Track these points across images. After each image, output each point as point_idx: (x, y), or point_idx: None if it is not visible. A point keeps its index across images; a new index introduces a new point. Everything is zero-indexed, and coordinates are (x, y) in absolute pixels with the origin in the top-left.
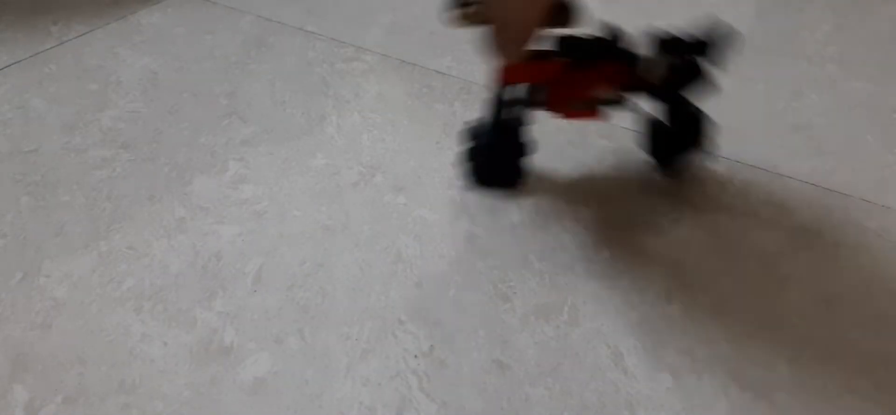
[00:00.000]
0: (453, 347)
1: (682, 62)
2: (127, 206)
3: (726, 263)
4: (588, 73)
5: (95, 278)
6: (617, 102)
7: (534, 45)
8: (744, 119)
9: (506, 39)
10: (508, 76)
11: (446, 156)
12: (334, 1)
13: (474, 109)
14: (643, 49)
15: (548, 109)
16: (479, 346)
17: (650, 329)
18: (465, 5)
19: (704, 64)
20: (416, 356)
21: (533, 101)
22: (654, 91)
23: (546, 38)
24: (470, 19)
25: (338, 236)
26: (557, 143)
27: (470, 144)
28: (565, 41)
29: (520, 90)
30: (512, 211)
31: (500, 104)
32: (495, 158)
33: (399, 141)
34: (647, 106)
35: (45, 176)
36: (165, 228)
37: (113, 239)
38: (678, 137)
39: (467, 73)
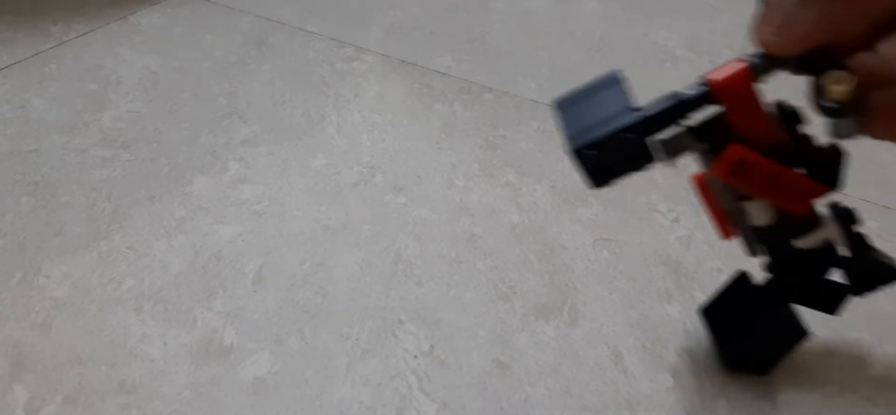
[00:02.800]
0: (453, 347)
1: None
2: (127, 206)
3: (726, 263)
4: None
5: (95, 278)
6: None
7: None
8: None
9: None
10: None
11: (446, 156)
12: (334, 1)
13: (475, 109)
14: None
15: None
16: (479, 346)
17: (650, 329)
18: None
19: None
20: (416, 356)
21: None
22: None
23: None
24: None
25: (338, 236)
26: (557, 142)
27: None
28: (790, 115)
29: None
30: (512, 211)
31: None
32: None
33: (399, 141)
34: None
35: (45, 176)
36: (165, 228)
37: (113, 239)
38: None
39: (467, 73)
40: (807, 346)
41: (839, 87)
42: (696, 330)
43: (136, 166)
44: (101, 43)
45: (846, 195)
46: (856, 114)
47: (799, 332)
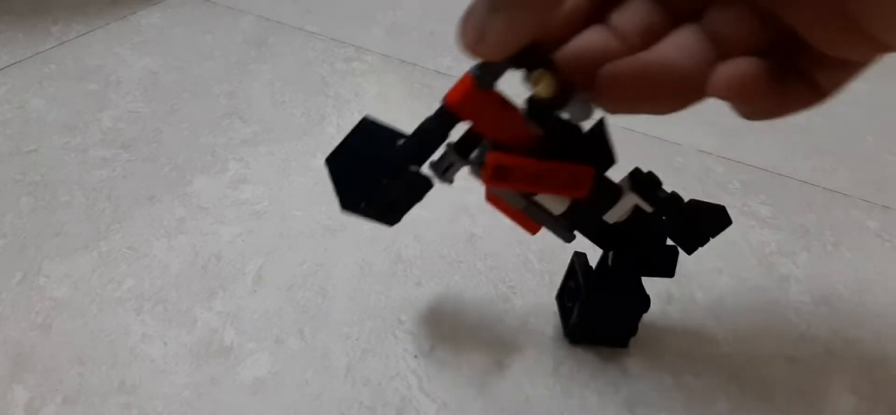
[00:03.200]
0: (453, 347)
1: (651, 216)
2: (127, 206)
3: (726, 262)
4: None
5: (95, 279)
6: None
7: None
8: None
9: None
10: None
11: None
12: (334, 1)
13: None
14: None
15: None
16: (479, 346)
17: (650, 329)
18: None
19: (681, 235)
20: (416, 356)
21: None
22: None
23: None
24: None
25: (338, 236)
26: None
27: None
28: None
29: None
30: None
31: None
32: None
33: None
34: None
35: (44, 176)
36: (165, 228)
37: (113, 239)
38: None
39: None
40: (807, 346)
41: (538, 86)
42: (697, 330)
43: (137, 166)
44: (101, 43)
45: (846, 195)
46: (576, 97)
47: (644, 301)
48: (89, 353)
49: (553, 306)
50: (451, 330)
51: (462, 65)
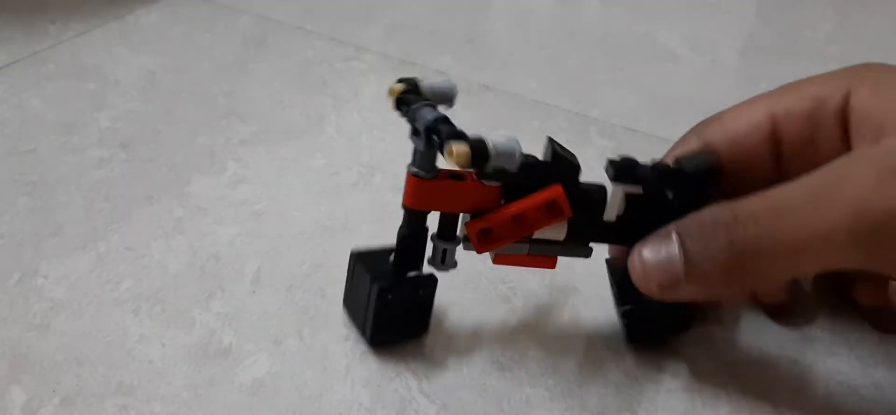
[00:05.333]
0: (453, 348)
1: (648, 195)
2: (125, 206)
3: None
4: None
5: (93, 279)
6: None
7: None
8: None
9: None
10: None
11: None
12: None
13: (475, 108)
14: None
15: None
16: (479, 347)
17: None
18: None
19: (686, 203)
20: (415, 358)
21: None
22: (609, 233)
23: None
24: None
25: (337, 237)
26: (559, 140)
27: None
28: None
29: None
30: None
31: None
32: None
33: (399, 141)
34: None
35: (42, 176)
36: (163, 228)
37: (111, 240)
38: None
39: (467, 72)
40: (810, 347)
41: (451, 158)
42: (698, 331)
43: (134, 166)
44: (98, 42)
45: None
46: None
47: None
48: (87, 354)
49: (553, 307)
50: (451, 331)
51: (461, 65)
